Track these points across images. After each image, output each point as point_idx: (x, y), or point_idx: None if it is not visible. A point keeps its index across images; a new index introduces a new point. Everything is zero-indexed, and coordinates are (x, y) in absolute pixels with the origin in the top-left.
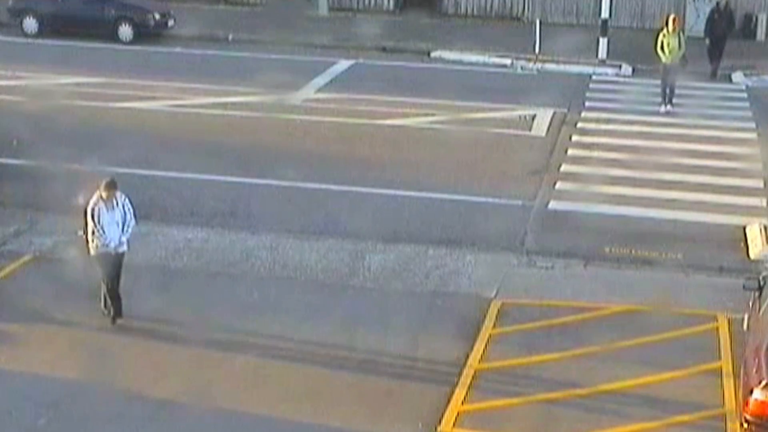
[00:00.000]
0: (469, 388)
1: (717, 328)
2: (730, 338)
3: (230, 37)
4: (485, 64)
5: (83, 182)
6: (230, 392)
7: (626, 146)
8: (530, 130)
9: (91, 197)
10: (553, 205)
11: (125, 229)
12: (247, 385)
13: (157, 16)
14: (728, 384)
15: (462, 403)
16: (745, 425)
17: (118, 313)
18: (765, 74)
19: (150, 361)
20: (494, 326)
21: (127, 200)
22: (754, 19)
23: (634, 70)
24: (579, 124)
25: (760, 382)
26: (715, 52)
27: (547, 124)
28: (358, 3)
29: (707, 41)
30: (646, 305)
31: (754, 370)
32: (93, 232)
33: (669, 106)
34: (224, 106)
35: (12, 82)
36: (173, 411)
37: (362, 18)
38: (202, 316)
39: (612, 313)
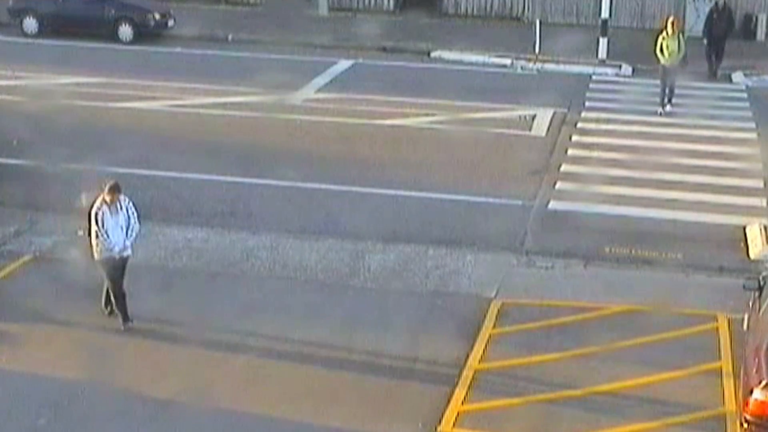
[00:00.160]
0: (469, 388)
1: (717, 328)
2: (730, 338)
3: (230, 37)
4: (485, 64)
5: (83, 182)
6: (230, 392)
7: (626, 146)
8: (530, 130)
9: (93, 199)
10: (553, 205)
11: (129, 233)
12: (247, 385)
13: (157, 16)
14: (728, 384)
15: (462, 403)
16: (745, 425)
17: (125, 317)
18: (765, 74)
19: (150, 361)
20: (494, 326)
21: (130, 204)
22: (754, 19)
23: (634, 70)
24: (579, 124)
25: (760, 382)
26: (713, 53)
27: (547, 124)
28: (358, 3)
29: (705, 41)
30: (646, 305)
31: (754, 370)
32: (97, 236)
33: (669, 106)
34: (224, 106)
35: (12, 82)
36: (173, 411)
37: (362, 18)
38: (202, 316)
39: (612, 313)
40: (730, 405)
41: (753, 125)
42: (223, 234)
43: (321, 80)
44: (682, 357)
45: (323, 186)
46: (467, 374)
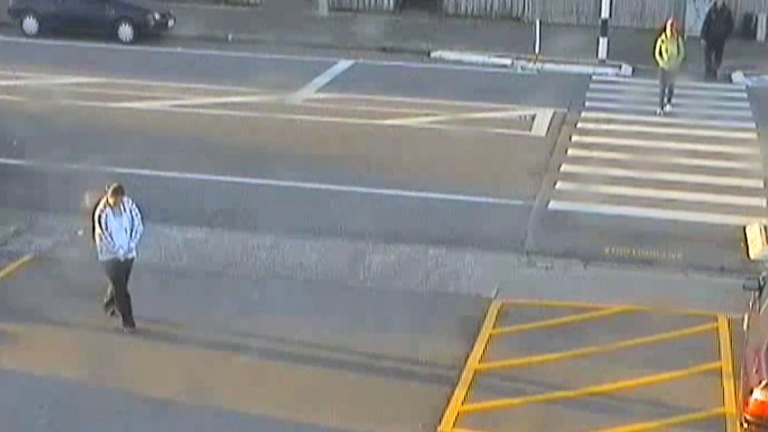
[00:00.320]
0: (469, 388)
1: (717, 328)
2: (730, 338)
3: (230, 37)
4: (485, 64)
5: (83, 182)
6: (230, 392)
7: (626, 146)
8: (530, 130)
9: (96, 200)
10: (553, 205)
11: (133, 234)
12: (247, 385)
13: (157, 16)
14: (728, 384)
15: (462, 403)
16: (745, 425)
17: (129, 321)
18: (765, 74)
19: (150, 361)
20: (494, 326)
21: (134, 205)
22: (754, 19)
23: (634, 70)
24: (579, 124)
25: (760, 382)
26: (712, 53)
27: (547, 124)
28: (358, 3)
29: (703, 42)
30: (646, 305)
31: (754, 370)
32: (101, 239)
33: (668, 107)
34: (224, 106)
35: (12, 82)
36: (173, 411)
37: (362, 18)
38: (202, 316)
39: (612, 313)
40: (730, 405)
41: (753, 125)
42: (223, 234)
43: (321, 80)
44: (682, 357)
45: (323, 186)
46: (467, 374)
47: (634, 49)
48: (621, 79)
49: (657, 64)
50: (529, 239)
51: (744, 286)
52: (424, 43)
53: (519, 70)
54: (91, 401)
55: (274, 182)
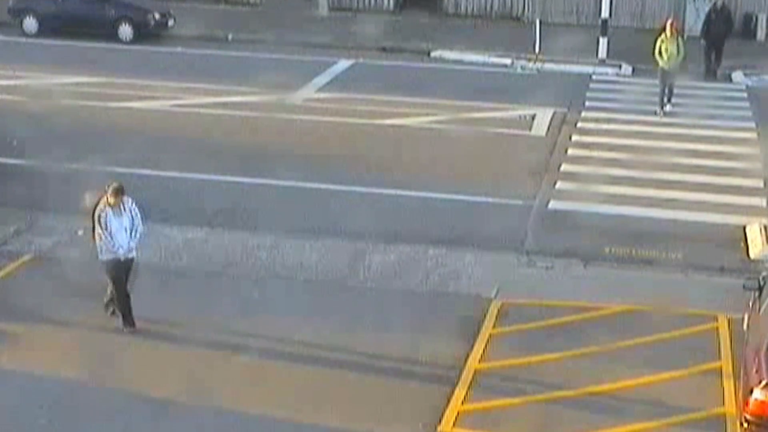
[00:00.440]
0: (469, 387)
1: (717, 328)
2: (730, 338)
3: (230, 37)
4: (485, 64)
5: (83, 182)
6: (230, 392)
7: (626, 146)
8: (530, 130)
9: (97, 200)
10: (553, 204)
11: (134, 234)
12: (247, 385)
13: (157, 16)
14: (728, 384)
15: (462, 402)
16: (745, 425)
17: (129, 321)
18: (765, 74)
19: (150, 361)
20: (494, 326)
21: (134, 205)
22: (754, 19)
23: (634, 70)
24: (579, 124)
25: (760, 382)
26: (712, 53)
27: (547, 123)
28: (358, 3)
29: (702, 42)
30: (646, 305)
31: (754, 370)
32: (101, 238)
33: (669, 106)
34: (224, 105)
35: (12, 82)
36: (173, 411)
37: (362, 18)
38: (202, 316)
39: (612, 313)
40: (730, 405)
41: (753, 125)
42: (223, 234)
43: (321, 80)
44: (682, 357)
45: (323, 186)
46: (467, 374)
47: (634, 48)
48: (621, 79)
49: (656, 64)
50: (529, 239)
51: (744, 286)
52: (424, 43)
53: (519, 70)
54: (91, 401)
55: (274, 182)
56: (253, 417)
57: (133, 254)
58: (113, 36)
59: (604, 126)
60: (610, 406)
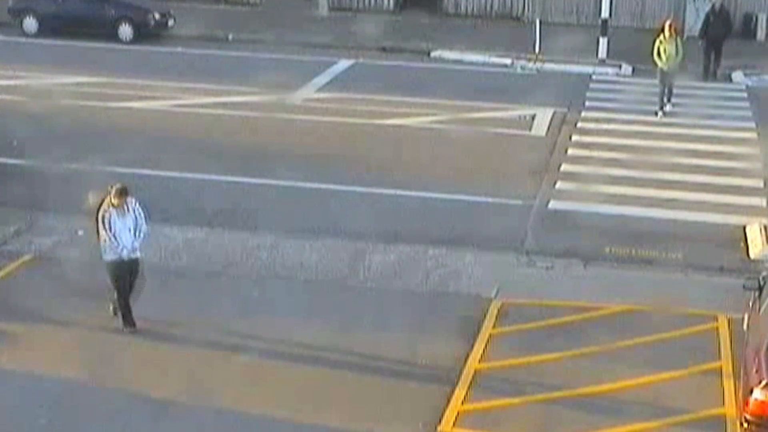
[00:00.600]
0: (469, 387)
1: (717, 328)
2: (730, 338)
3: (230, 37)
4: (485, 64)
5: (83, 182)
6: (230, 392)
7: (626, 146)
8: (530, 130)
9: (100, 201)
10: (553, 204)
11: (138, 234)
12: (247, 385)
13: (157, 16)
14: (728, 384)
15: (462, 402)
16: (745, 425)
17: (129, 321)
18: (765, 74)
19: (150, 361)
20: (494, 326)
21: (137, 205)
22: (754, 19)
23: (634, 70)
24: (579, 124)
25: (760, 382)
26: (711, 54)
27: (547, 123)
28: (358, 3)
29: (701, 43)
30: (646, 305)
31: (754, 370)
32: (105, 240)
33: (668, 106)
34: (224, 105)
35: (12, 82)
36: (173, 411)
37: (362, 18)
38: (202, 316)
39: (612, 313)
40: (730, 405)
41: (753, 125)
42: (223, 234)
43: (321, 80)
44: (682, 357)
45: (323, 186)
46: (467, 374)
47: (634, 48)
48: (621, 79)
49: (655, 65)
50: (529, 239)
51: (744, 286)
52: (424, 43)
53: (519, 70)
54: (91, 401)
55: (274, 182)
56: (253, 417)
57: (137, 254)
58: (113, 36)
59: (604, 126)
60: (610, 406)
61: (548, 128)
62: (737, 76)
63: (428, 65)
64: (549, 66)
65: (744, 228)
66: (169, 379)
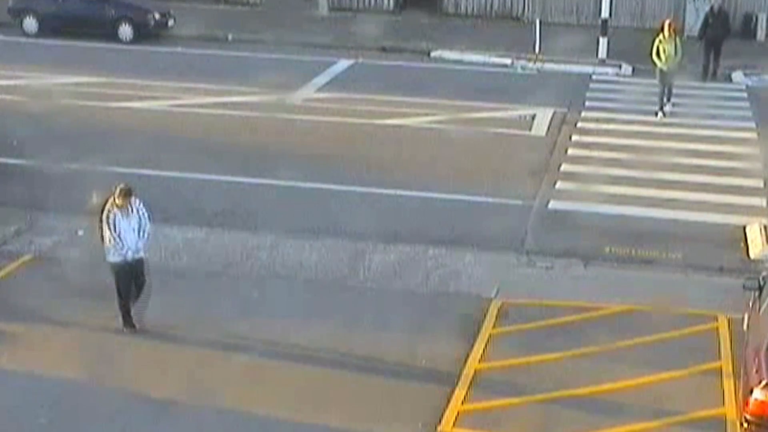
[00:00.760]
0: (469, 387)
1: (717, 328)
2: (730, 338)
3: (230, 37)
4: (485, 64)
5: (83, 182)
6: (230, 392)
7: (626, 146)
8: (530, 129)
9: (104, 203)
10: (553, 204)
11: (141, 234)
12: (247, 385)
13: (157, 16)
14: (728, 384)
15: (462, 402)
16: (745, 425)
17: (130, 322)
18: (765, 74)
19: (150, 360)
20: (494, 326)
21: (141, 205)
22: (753, 18)
23: (634, 70)
24: (579, 124)
25: (760, 382)
26: (710, 54)
27: (547, 123)
28: (358, 3)
29: (700, 43)
30: (646, 305)
31: (754, 370)
32: (110, 241)
33: (668, 106)
34: (224, 105)
35: (12, 82)
36: (173, 411)
37: (362, 18)
38: (202, 316)
39: (612, 313)
40: (730, 405)
41: (753, 125)
42: (223, 234)
43: (321, 80)
44: (682, 357)
45: (323, 186)
46: (467, 374)
47: (634, 48)
48: (621, 79)
49: (654, 65)
50: (529, 239)
51: (744, 286)
52: (424, 43)
53: (519, 70)
54: (91, 401)
55: (274, 182)
56: (253, 417)
57: (141, 254)
58: (113, 36)
59: (604, 126)
60: (610, 406)
61: (548, 128)
62: (737, 76)
63: (428, 65)
64: (549, 66)
65: (744, 228)
66: (169, 379)
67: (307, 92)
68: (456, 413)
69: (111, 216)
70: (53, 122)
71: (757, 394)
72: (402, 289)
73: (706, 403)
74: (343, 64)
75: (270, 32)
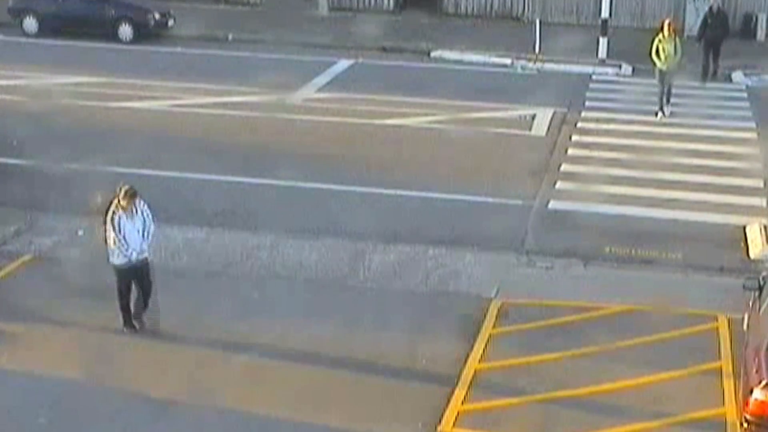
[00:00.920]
0: (469, 387)
1: (717, 328)
2: (730, 338)
3: (230, 37)
4: (485, 64)
5: (83, 182)
6: (230, 392)
7: (626, 146)
8: (530, 130)
9: (108, 204)
10: (553, 204)
11: (146, 236)
12: (247, 385)
13: (157, 16)
14: (728, 384)
15: (462, 402)
16: (745, 425)
17: (130, 323)
18: (765, 74)
19: (150, 360)
20: (494, 326)
21: (145, 206)
22: (753, 18)
23: (634, 70)
24: (579, 124)
25: (760, 382)
26: (709, 55)
27: (547, 123)
28: (358, 3)
29: (699, 44)
30: (646, 305)
31: (754, 370)
32: (114, 242)
33: (667, 110)
34: (224, 105)
35: (12, 82)
36: (173, 411)
37: (362, 18)
38: (203, 316)
39: (612, 313)
40: (730, 405)
41: (753, 125)
42: (224, 234)
43: (321, 80)
44: (682, 357)
45: (323, 186)
46: (467, 374)
47: (634, 48)
48: (621, 79)
49: (654, 64)
50: (529, 239)
51: (744, 286)
52: (424, 43)
53: (519, 70)
54: (91, 401)
55: (274, 182)
56: (253, 417)
57: (146, 255)
58: (113, 36)
59: (604, 126)
60: (610, 406)
61: (548, 128)
62: (737, 76)
63: (428, 65)
64: (549, 66)
65: (744, 228)
66: (169, 379)
67: (307, 92)
68: (456, 413)
69: (115, 218)
70: (53, 122)
71: (757, 394)
72: (402, 289)
73: (706, 403)
74: (343, 64)
75: (270, 32)
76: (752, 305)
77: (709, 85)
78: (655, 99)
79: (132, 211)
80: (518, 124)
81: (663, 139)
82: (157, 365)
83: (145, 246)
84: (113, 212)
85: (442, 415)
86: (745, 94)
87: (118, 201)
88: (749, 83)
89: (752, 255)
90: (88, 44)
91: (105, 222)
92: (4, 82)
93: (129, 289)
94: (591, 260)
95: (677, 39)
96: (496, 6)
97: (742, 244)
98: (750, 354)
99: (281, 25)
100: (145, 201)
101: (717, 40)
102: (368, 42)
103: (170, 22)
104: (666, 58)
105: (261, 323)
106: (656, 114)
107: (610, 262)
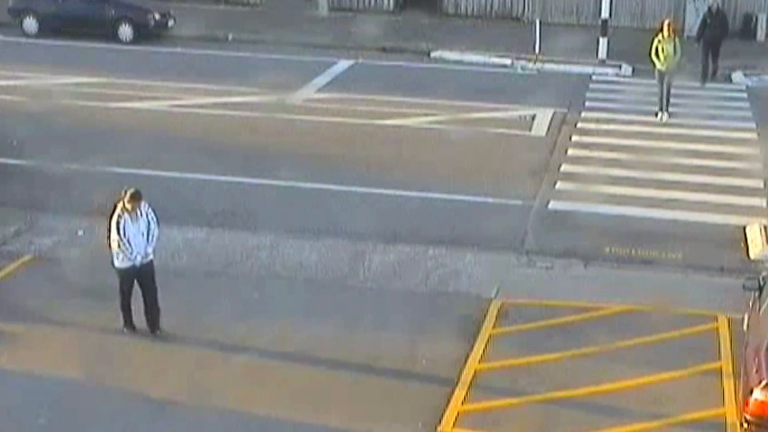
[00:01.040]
0: (469, 388)
1: (717, 328)
2: (730, 338)
3: (230, 37)
4: (485, 64)
5: (83, 182)
6: (230, 392)
7: (626, 146)
8: (530, 130)
9: (113, 207)
10: (553, 205)
11: (150, 238)
12: (247, 385)
13: (157, 16)
14: (728, 384)
15: (462, 403)
16: (745, 425)
17: (130, 324)
18: (765, 74)
19: (150, 361)
20: (494, 326)
21: (150, 209)
22: (753, 19)
23: (634, 70)
24: (579, 124)
25: (760, 382)
26: (709, 55)
27: (547, 124)
28: (358, 3)
29: (698, 44)
30: (646, 305)
31: (754, 370)
32: (118, 245)
33: (666, 115)
34: (224, 106)
35: (12, 82)
36: (173, 411)
37: (362, 18)
38: (202, 316)
39: (612, 313)
40: (730, 405)
41: (753, 125)
42: (223, 234)
43: (321, 80)
44: (682, 357)
45: (323, 186)
46: (467, 374)
47: (634, 49)
48: (621, 79)
49: (653, 65)
50: (529, 239)
51: (744, 286)
52: (424, 43)
53: (519, 70)
54: (91, 401)
55: (274, 182)
56: (253, 417)
57: (150, 258)
58: (113, 36)
59: (604, 126)
60: (610, 406)
61: (548, 128)
62: (737, 76)
63: (428, 65)
64: (549, 66)
65: (744, 228)
66: (168, 380)
67: (307, 92)
68: (456, 413)
69: (121, 221)
70: (53, 122)
71: (757, 394)
72: (402, 289)
73: (706, 403)
74: (343, 64)
75: (270, 32)
76: (752, 305)
77: (708, 85)
78: (655, 99)
79: (137, 214)
80: (518, 125)
81: (663, 139)
82: (157, 365)
83: (149, 249)
84: (119, 216)
85: (442, 416)
86: (744, 95)
87: (123, 204)
88: (749, 83)
89: (752, 255)
90: (88, 44)
91: (109, 225)
92: (4, 83)
93: (131, 290)
94: (591, 260)
95: (677, 39)
96: (496, 6)
97: (742, 245)
98: (750, 354)
99: (281, 26)
100: (149, 203)
101: (716, 41)
102: (368, 42)
103: (170, 23)
104: (666, 58)
105: (261, 323)
106: (656, 114)
107: (610, 262)
